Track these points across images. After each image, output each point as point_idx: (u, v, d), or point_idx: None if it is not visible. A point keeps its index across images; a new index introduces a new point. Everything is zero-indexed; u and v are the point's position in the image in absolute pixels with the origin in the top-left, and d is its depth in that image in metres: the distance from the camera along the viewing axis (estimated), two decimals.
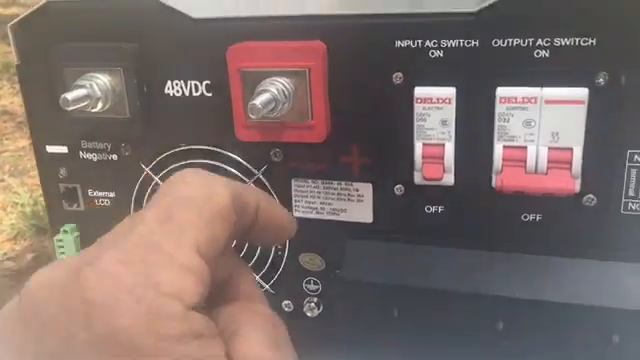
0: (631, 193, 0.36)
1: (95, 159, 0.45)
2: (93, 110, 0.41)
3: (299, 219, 0.42)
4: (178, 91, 0.42)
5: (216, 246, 0.25)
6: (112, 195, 0.46)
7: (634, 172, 0.35)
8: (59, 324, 0.22)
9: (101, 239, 0.26)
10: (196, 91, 0.41)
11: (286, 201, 0.42)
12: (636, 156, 0.35)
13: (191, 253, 0.24)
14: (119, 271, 0.23)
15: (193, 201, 0.25)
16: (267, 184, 0.42)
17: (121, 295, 0.22)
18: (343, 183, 0.41)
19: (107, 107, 0.41)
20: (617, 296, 0.36)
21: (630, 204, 0.36)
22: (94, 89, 0.40)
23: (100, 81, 0.41)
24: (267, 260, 0.44)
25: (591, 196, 0.36)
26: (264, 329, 0.26)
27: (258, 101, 0.35)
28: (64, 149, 0.46)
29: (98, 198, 0.47)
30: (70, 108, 0.39)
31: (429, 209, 0.39)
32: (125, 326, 0.22)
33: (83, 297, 0.22)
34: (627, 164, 0.35)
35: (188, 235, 0.24)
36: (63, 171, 0.47)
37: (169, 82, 0.42)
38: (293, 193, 0.42)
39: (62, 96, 0.39)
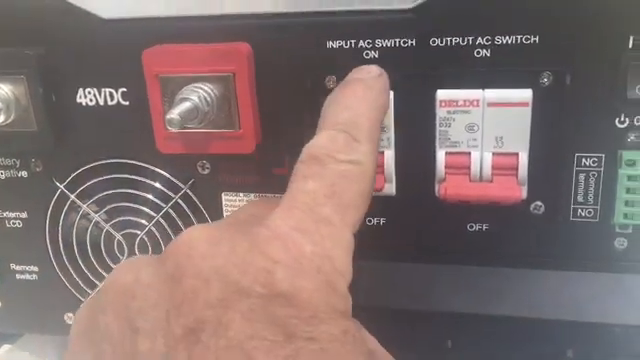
0: (580, 199, 0.34)
1: (3, 176, 0.41)
2: None
3: None
4: (91, 100, 0.38)
5: (360, 223, 0.26)
6: (24, 215, 0.42)
7: (582, 177, 0.33)
8: (228, 277, 0.22)
9: (243, 209, 0.30)
10: (111, 100, 0.37)
11: (217, 216, 0.39)
12: (584, 159, 0.33)
13: (351, 232, 0.25)
14: (298, 238, 0.23)
15: (353, 178, 0.26)
16: (195, 199, 0.39)
17: (303, 261, 0.23)
18: (278, 196, 0.38)
19: (11, 119, 0.37)
20: (570, 308, 0.34)
21: (580, 210, 0.34)
22: None
23: (1, 91, 0.37)
24: None
25: (539, 203, 0.34)
26: None
27: (176, 112, 0.32)
28: None
29: (9, 219, 0.42)
30: None
31: (370, 221, 0.36)
32: (309, 289, 0.22)
33: (263, 252, 0.23)
34: (575, 168, 0.33)
35: (351, 214, 0.25)
36: None
37: (80, 90, 0.37)
38: (224, 208, 0.39)
39: None
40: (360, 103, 0.29)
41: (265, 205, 0.29)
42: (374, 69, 0.31)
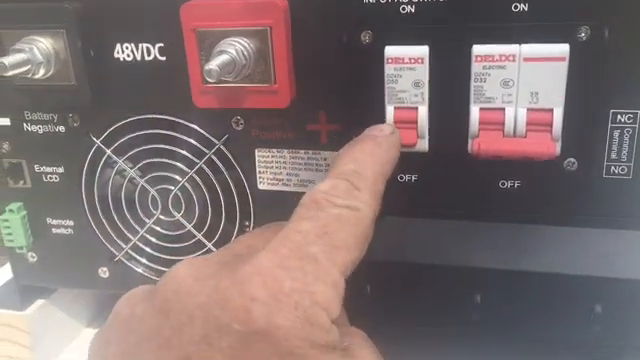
0: (613, 156, 0.34)
1: (40, 131, 0.42)
2: (35, 77, 0.38)
3: (264, 192, 0.40)
4: (129, 55, 0.38)
5: (354, 267, 0.26)
6: (61, 170, 0.43)
7: (617, 133, 0.33)
8: (209, 313, 0.24)
9: (240, 240, 0.31)
10: (148, 55, 0.38)
11: (250, 173, 0.40)
12: (619, 116, 0.33)
13: (339, 272, 0.25)
14: (279, 274, 0.24)
15: (347, 221, 0.27)
16: (229, 155, 0.39)
17: (281, 297, 0.24)
18: (310, 152, 0.38)
19: (50, 73, 0.38)
20: (600, 264, 0.35)
21: (612, 167, 0.34)
22: (34, 53, 0.37)
23: (41, 45, 0.37)
24: (231, 236, 0.42)
25: (572, 160, 0.34)
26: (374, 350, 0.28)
27: (215, 64, 0.32)
28: (6, 121, 0.42)
29: (46, 174, 0.43)
30: (8, 74, 0.36)
31: (402, 178, 0.37)
32: (285, 326, 0.23)
33: (242, 291, 0.24)
34: (610, 125, 0.33)
35: (341, 255, 0.26)
36: (6, 145, 0.43)
37: (118, 45, 0.38)
38: (257, 164, 0.39)
39: None
40: (367, 157, 0.30)
41: (263, 236, 0.30)
42: (386, 128, 0.33)
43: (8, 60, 0.35)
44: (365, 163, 0.30)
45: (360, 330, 0.29)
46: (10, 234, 0.44)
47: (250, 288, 0.24)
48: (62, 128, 0.41)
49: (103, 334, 0.28)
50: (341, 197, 0.27)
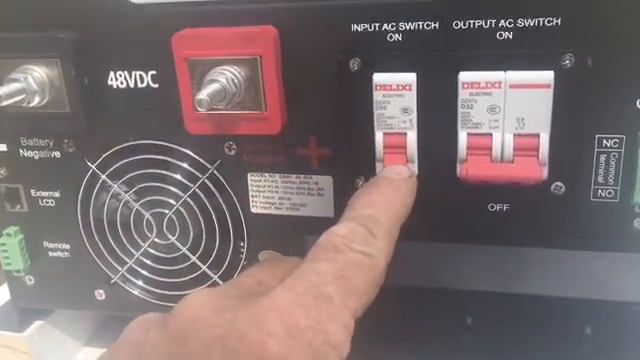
0: (600, 180, 0.34)
1: (37, 157, 0.42)
2: (30, 105, 0.38)
3: (257, 215, 0.40)
4: (122, 82, 0.39)
5: (363, 311, 0.27)
6: (57, 195, 0.43)
7: (603, 158, 0.34)
8: (226, 346, 0.24)
9: (251, 274, 0.31)
10: (141, 82, 0.39)
11: (243, 196, 0.40)
12: (605, 141, 0.33)
13: (350, 315, 0.26)
14: (294, 311, 0.25)
15: (363, 267, 0.27)
16: (222, 179, 0.40)
17: (296, 333, 0.24)
18: (302, 176, 0.39)
19: (45, 101, 0.39)
20: (589, 286, 0.35)
21: (600, 191, 0.34)
22: (29, 82, 0.37)
23: (36, 74, 0.38)
24: (225, 258, 0.42)
25: (559, 184, 0.34)
26: None
27: (205, 93, 0.33)
28: (3, 147, 0.43)
29: (42, 198, 0.44)
30: (3, 103, 0.36)
31: None
32: None
33: (260, 325, 0.24)
34: (596, 149, 0.34)
35: (353, 299, 0.26)
36: (3, 171, 0.43)
37: (112, 73, 0.39)
38: (250, 188, 0.40)
39: None
40: (385, 202, 0.31)
41: (274, 272, 0.31)
42: (404, 171, 0.34)
43: (3, 90, 0.36)
44: (382, 209, 0.30)
45: None
46: (7, 257, 0.45)
47: (267, 323, 0.24)
48: (58, 153, 0.42)
49: (111, 355, 0.28)
50: (358, 243, 0.28)
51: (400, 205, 0.32)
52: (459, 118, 0.34)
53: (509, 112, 0.33)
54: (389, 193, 0.32)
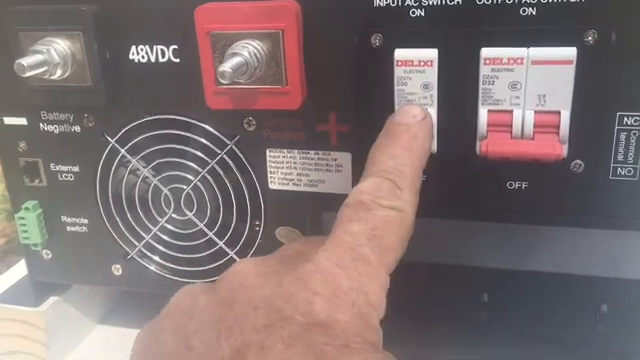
0: (620, 158, 0.34)
1: (57, 131, 0.43)
2: (52, 78, 0.39)
3: (275, 191, 0.40)
4: (143, 57, 0.39)
5: (396, 264, 0.28)
6: (76, 169, 0.44)
7: (623, 136, 0.34)
8: (273, 305, 0.25)
9: (289, 247, 0.32)
10: (162, 57, 0.39)
11: (261, 172, 0.40)
12: (625, 119, 0.33)
13: (386, 273, 0.27)
14: (337, 273, 0.26)
15: (393, 223, 0.28)
16: (240, 155, 0.40)
17: (340, 294, 0.25)
18: (321, 153, 0.39)
19: (67, 74, 0.39)
20: (606, 265, 0.35)
21: (619, 169, 0.34)
22: (52, 55, 0.38)
23: (58, 46, 0.38)
24: (242, 235, 0.42)
25: (579, 162, 0.35)
26: None
27: (228, 65, 0.33)
28: (23, 121, 0.43)
29: (61, 172, 0.44)
30: (26, 75, 0.36)
31: None
32: (343, 320, 0.25)
33: (306, 286, 0.25)
34: (616, 127, 0.34)
35: (388, 256, 0.27)
36: (23, 144, 0.44)
37: (133, 47, 0.39)
38: (268, 164, 0.40)
39: (17, 62, 0.36)
40: (405, 152, 0.31)
41: (309, 243, 0.32)
42: (418, 112, 0.33)
43: (26, 61, 0.36)
44: (404, 159, 0.31)
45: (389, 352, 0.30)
46: (26, 232, 0.45)
47: (312, 283, 0.25)
48: (77, 128, 0.42)
49: (158, 323, 0.28)
50: (386, 198, 0.29)
51: (420, 151, 0.32)
52: (480, 94, 0.34)
53: (530, 89, 0.33)
54: (408, 141, 0.32)
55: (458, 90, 0.35)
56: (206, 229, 0.43)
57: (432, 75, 0.34)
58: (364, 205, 0.28)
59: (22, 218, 0.45)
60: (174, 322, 0.27)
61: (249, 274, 0.27)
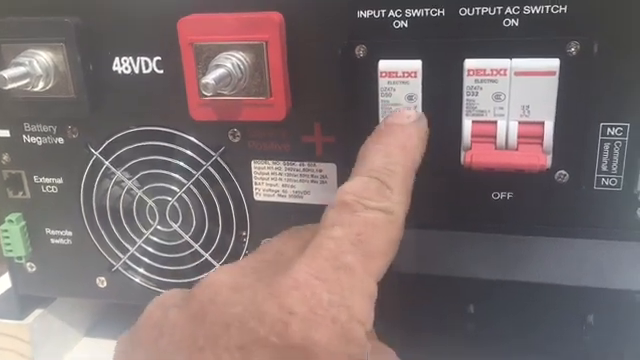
0: (604, 168, 0.34)
1: (40, 143, 0.42)
2: (35, 90, 0.38)
3: (260, 202, 0.40)
4: (127, 68, 0.39)
5: (386, 269, 0.26)
6: (60, 181, 0.43)
7: (607, 146, 0.34)
8: (246, 325, 0.23)
9: (269, 245, 0.29)
10: (146, 68, 0.39)
11: (246, 184, 0.40)
12: (609, 129, 0.33)
13: (374, 280, 0.25)
14: (317, 287, 0.24)
15: (381, 226, 0.26)
16: (225, 166, 0.40)
17: (319, 311, 0.23)
18: (306, 164, 0.39)
19: (50, 86, 0.39)
20: (591, 275, 0.35)
21: (603, 179, 0.34)
22: (34, 67, 0.37)
23: (41, 58, 0.38)
24: (228, 247, 0.42)
25: (563, 172, 0.35)
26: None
27: (211, 77, 0.33)
28: (6, 133, 0.43)
29: (45, 185, 0.44)
30: (7, 87, 0.36)
31: None
32: (322, 342, 0.23)
33: (281, 304, 0.23)
34: (600, 138, 0.34)
35: (376, 262, 0.25)
36: (6, 157, 0.43)
37: (117, 59, 0.39)
38: (253, 175, 0.40)
39: None
40: (399, 152, 0.29)
41: (291, 240, 0.30)
42: (413, 114, 0.32)
43: (8, 73, 0.36)
44: (396, 158, 0.29)
45: (390, 349, 0.29)
46: (9, 244, 0.45)
47: (288, 301, 0.23)
48: (61, 140, 0.42)
49: (133, 336, 0.27)
50: (373, 199, 0.26)
51: (414, 153, 0.30)
52: (464, 105, 0.34)
53: (514, 99, 0.33)
54: (402, 142, 0.30)
55: (442, 101, 0.34)
56: (191, 241, 0.42)
57: (416, 86, 0.34)
58: (348, 206, 0.26)
59: (5, 231, 0.44)
60: (147, 336, 0.26)
61: (221, 287, 0.25)
